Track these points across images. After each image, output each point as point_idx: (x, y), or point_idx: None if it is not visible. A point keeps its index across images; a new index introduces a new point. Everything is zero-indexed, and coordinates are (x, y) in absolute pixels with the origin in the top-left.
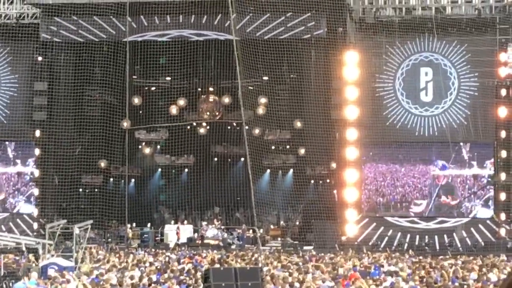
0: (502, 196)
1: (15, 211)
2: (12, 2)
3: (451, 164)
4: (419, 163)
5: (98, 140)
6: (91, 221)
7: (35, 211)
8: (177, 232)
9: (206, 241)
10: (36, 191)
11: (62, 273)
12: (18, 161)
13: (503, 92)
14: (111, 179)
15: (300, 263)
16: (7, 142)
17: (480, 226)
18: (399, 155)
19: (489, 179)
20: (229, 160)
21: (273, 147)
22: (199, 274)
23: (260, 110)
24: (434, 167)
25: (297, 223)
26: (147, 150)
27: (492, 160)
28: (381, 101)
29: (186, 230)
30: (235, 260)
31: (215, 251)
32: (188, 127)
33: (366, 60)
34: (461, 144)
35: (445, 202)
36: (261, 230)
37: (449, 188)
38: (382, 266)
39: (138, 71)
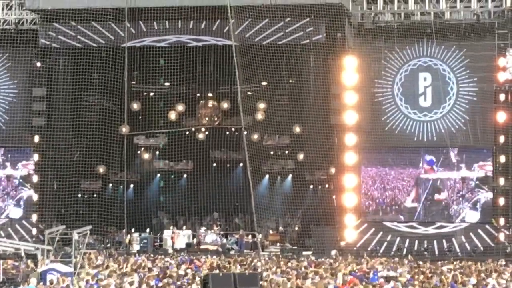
0: (501, 201)
1: (4, 215)
2: (11, 8)
3: (439, 166)
4: (409, 167)
5: (97, 146)
6: (90, 227)
7: (23, 215)
8: (172, 237)
9: (205, 246)
10: (25, 195)
11: (62, 278)
12: (8, 164)
13: (502, 97)
14: (110, 185)
15: (299, 269)
16: None
17: (479, 231)
18: (388, 158)
19: (477, 182)
20: (228, 165)
21: (272, 153)
22: (197, 279)
23: (259, 116)
24: (424, 165)
25: (296, 228)
26: (146, 156)
27: (481, 163)
28: (380, 106)
29: (183, 236)
30: (235, 265)
31: (214, 257)
32: (187, 132)
33: (365, 65)
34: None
35: (438, 199)
36: (260, 236)
37: (436, 187)
38: (383, 269)
39: (137, 77)
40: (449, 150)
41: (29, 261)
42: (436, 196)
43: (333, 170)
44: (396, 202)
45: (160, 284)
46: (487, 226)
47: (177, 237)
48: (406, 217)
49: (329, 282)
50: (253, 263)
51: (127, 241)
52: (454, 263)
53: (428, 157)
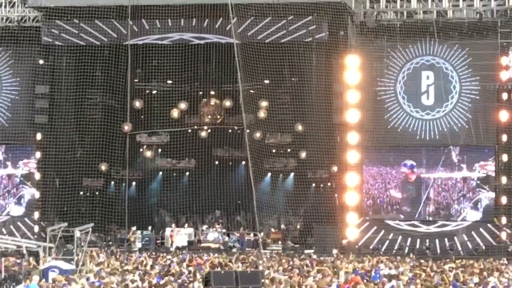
0: (503, 200)
1: (5, 213)
2: (13, 5)
3: (441, 167)
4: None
5: (99, 144)
6: (91, 224)
7: (24, 213)
8: (171, 235)
9: (206, 244)
10: (26, 193)
11: (67, 276)
12: (8, 163)
13: (505, 96)
14: (112, 183)
15: (301, 267)
16: None
17: (481, 229)
18: (390, 157)
19: (478, 182)
20: (230, 163)
21: (274, 151)
22: (198, 277)
23: (261, 114)
24: (404, 169)
25: (298, 226)
26: (148, 154)
27: (482, 162)
28: (382, 105)
29: (182, 234)
30: (237, 263)
31: (216, 255)
32: (189, 130)
33: (367, 64)
34: (451, 147)
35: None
36: (262, 234)
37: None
38: (385, 267)
39: (140, 75)
40: (450, 150)
41: (31, 259)
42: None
43: (335, 169)
44: (397, 201)
45: (161, 282)
46: (489, 225)
47: (176, 236)
48: (406, 216)
49: (332, 280)
50: (254, 261)
51: (132, 239)
52: (456, 261)
53: (409, 162)
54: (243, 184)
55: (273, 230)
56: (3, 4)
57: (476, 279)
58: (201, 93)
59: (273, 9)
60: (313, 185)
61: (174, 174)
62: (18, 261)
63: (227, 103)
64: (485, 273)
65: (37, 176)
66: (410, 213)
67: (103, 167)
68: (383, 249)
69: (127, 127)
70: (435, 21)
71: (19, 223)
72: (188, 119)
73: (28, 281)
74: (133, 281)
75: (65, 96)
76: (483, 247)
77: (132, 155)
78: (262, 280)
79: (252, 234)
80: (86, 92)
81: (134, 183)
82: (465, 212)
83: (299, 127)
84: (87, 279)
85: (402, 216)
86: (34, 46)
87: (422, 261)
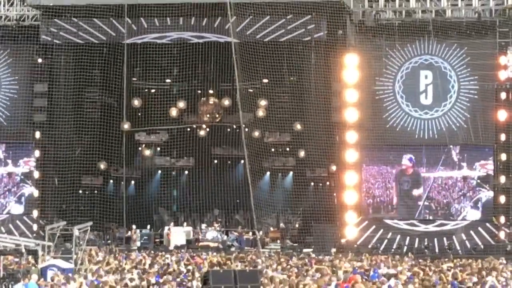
0: (502, 199)
1: (5, 211)
2: (12, 4)
3: (441, 166)
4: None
5: (98, 142)
6: (90, 223)
7: (24, 211)
8: (167, 234)
9: (205, 243)
10: (26, 192)
11: (67, 275)
12: (9, 161)
13: (503, 95)
14: (111, 181)
15: (300, 266)
16: None
17: (480, 229)
18: (390, 156)
19: (478, 181)
20: (229, 162)
21: (273, 150)
22: (197, 275)
23: (260, 113)
24: (407, 162)
25: (297, 225)
26: (147, 152)
27: (482, 162)
28: (381, 104)
29: (183, 232)
30: (235, 262)
31: (214, 254)
32: (188, 129)
33: (366, 63)
34: (451, 146)
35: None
36: (261, 233)
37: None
38: (383, 267)
39: (138, 73)
40: (450, 149)
41: (29, 257)
42: (415, 192)
43: (334, 168)
44: (397, 201)
45: (160, 281)
46: (487, 224)
47: (173, 235)
48: (406, 216)
49: (331, 279)
50: (253, 260)
51: (134, 237)
52: (454, 261)
53: (408, 156)
54: (242, 183)
55: (272, 229)
56: (2, 3)
57: (474, 278)
58: (199, 92)
59: (272, 8)
60: (312, 184)
61: (173, 173)
62: (17, 259)
63: (226, 102)
64: (483, 272)
65: (36, 174)
66: (408, 213)
67: (102, 165)
68: (381, 248)
69: (126, 126)
70: (433, 20)
71: (18, 221)
72: (186, 118)
73: (26, 279)
74: (131, 280)
75: (63, 94)
76: (482, 246)
77: (131, 154)
78: (261, 279)
79: (250, 233)
80: (84, 91)
81: (133, 181)
82: (466, 211)
83: (298, 126)
84: (85, 277)
85: (400, 216)
86: (33, 44)
87: (420, 260)
